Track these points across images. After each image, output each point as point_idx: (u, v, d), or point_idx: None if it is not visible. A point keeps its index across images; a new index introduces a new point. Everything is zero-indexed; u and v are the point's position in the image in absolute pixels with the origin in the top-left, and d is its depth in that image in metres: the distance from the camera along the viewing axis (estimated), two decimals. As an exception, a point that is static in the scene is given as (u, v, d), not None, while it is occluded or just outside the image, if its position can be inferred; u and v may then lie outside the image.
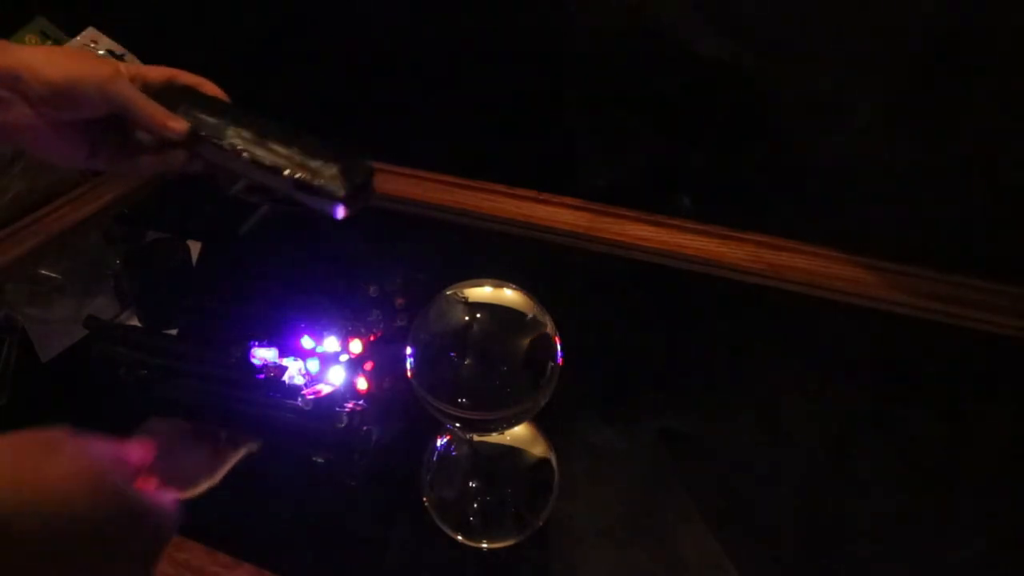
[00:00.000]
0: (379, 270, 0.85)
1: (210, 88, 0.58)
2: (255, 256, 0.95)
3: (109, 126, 0.56)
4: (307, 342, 0.81)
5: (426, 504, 0.73)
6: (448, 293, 0.65)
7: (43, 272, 0.97)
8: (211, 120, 0.55)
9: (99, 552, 0.40)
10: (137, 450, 0.47)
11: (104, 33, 0.90)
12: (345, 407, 0.75)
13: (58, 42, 0.92)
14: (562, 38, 0.87)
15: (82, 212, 0.94)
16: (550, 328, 0.65)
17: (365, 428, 0.76)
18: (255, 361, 0.80)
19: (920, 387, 0.76)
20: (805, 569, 0.72)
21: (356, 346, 0.80)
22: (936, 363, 0.76)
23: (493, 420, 0.63)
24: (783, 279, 0.78)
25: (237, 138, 0.54)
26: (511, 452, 0.73)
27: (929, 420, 0.76)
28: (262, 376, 0.79)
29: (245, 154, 0.54)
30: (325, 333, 0.81)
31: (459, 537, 0.71)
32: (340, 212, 0.53)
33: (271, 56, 1.00)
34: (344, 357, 0.80)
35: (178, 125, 0.55)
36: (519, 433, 0.73)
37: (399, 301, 0.83)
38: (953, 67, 0.70)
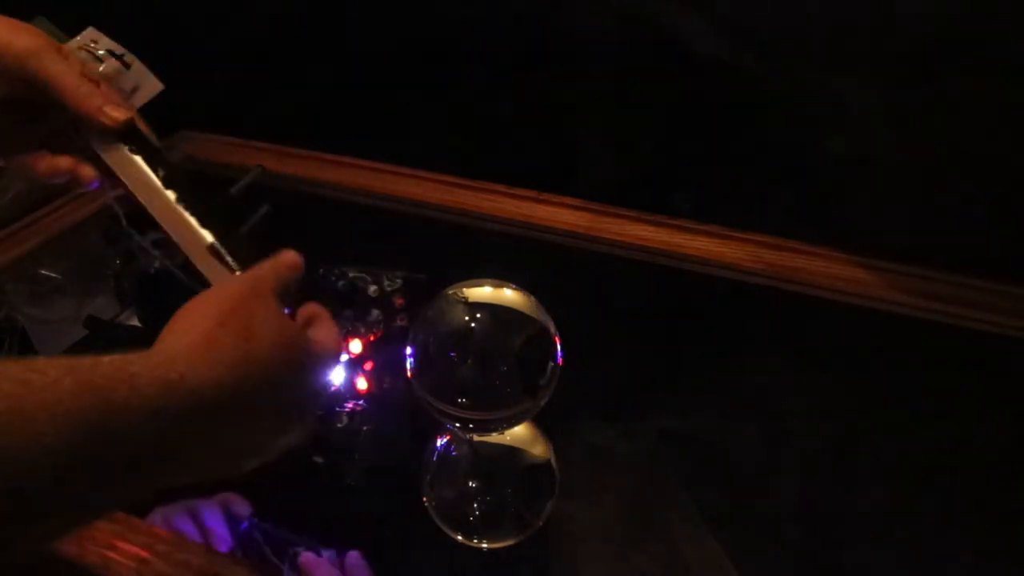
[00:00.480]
0: (379, 270, 0.85)
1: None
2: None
3: (21, 114, 0.47)
4: (307, 342, 0.81)
5: (426, 504, 0.73)
6: (448, 293, 0.65)
7: (43, 272, 0.97)
8: (150, 149, 0.49)
9: (294, 399, 0.41)
10: (294, 258, 0.46)
11: (104, 33, 0.90)
12: (345, 407, 0.76)
13: (58, 41, 0.92)
14: (562, 38, 0.87)
15: (82, 212, 0.94)
16: (550, 328, 0.65)
17: (365, 428, 0.76)
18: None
19: (920, 387, 0.76)
20: (805, 569, 0.72)
21: (356, 346, 0.80)
22: (936, 363, 0.76)
23: (493, 420, 0.63)
24: (783, 279, 0.78)
25: (164, 179, 0.49)
26: (511, 452, 0.73)
27: (929, 420, 0.76)
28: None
29: (170, 192, 0.48)
30: (325, 333, 0.81)
31: (459, 537, 0.70)
32: None
33: (270, 56, 1.00)
34: (344, 357, 0.80)
35: (119, 113, 0.45)
36: (519, 433, 0.73)
37: (399, 301, 0.83)
38: (953, 66, 0.70)
